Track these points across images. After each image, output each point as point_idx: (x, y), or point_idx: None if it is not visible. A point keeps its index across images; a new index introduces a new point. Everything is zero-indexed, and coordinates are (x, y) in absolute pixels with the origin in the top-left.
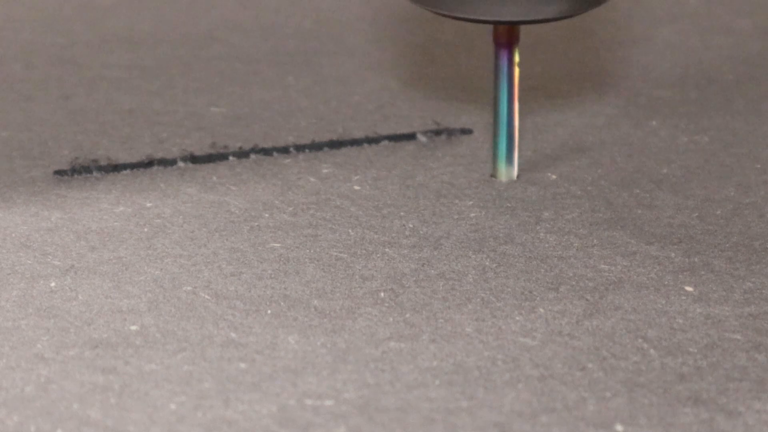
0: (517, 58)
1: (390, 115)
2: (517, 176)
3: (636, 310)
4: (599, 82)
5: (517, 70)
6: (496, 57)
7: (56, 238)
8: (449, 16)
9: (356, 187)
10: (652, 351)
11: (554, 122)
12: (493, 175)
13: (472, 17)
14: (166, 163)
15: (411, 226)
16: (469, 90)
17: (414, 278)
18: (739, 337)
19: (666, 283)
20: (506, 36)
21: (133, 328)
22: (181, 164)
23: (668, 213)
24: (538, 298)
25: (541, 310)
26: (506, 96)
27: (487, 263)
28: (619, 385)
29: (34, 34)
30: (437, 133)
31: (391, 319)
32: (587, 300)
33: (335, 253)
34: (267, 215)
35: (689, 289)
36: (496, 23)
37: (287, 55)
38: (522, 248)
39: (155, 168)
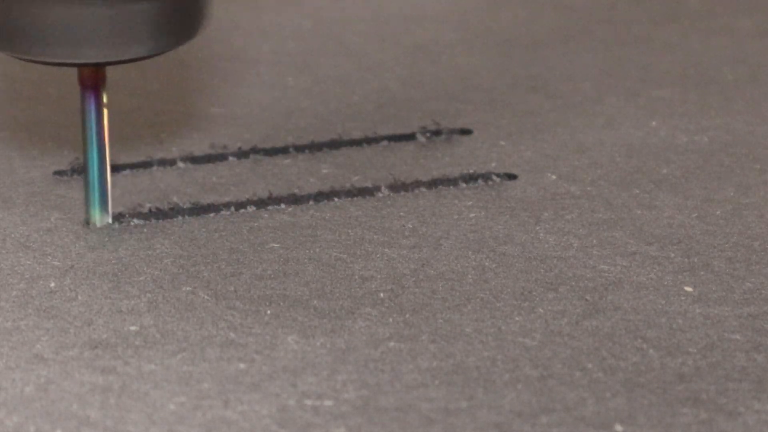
0: (105, 100)
1: (389, 115)
2: (112, 221)
3: (636, 310)
4: (599, 82)
5: (105, 112)
6: (83, 100)
7: (56, 238)
8: (32, 61)
9: (355, 188)
10: (651, 351)
11: (554, 122)
12: (87, 221)
13: (54, 60)
14: (166, 163)
15: (410, 226)
16: (469, 90)
17: (413, 278)
18: (738, 337)
19: (666, 283)
20: (92, 78)
21: (133, 328)
22: (181, 164)
23: (668, 213)
24: (537, 299)
25: (541, 310)
26: (96, 141)
27: (487, 263)
28: (618, 385)
29: None
30: (437, 133)
31: (390, 320)
32: (587, 300)
33: (335, 254)
34: (267, 215)
35: (689, 289)
36: (80, 65)
37: (287, 56)
38: (521, 248)
39: (155, 168)
